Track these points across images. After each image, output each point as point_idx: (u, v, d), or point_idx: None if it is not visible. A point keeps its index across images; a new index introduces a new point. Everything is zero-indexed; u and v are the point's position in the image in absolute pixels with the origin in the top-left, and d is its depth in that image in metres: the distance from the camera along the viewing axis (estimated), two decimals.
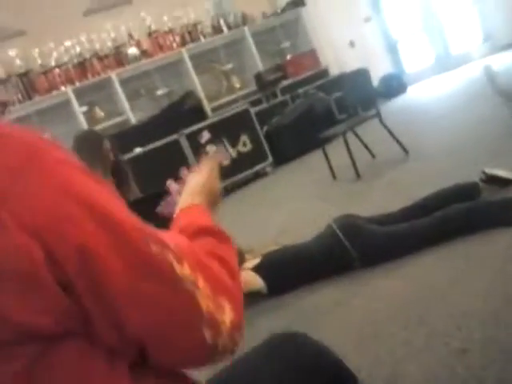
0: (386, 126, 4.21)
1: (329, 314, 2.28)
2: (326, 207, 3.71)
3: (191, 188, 0.96)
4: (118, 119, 6.60)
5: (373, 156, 4.52)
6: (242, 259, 2.92)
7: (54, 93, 6.35)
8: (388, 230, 2.57)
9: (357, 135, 4.47)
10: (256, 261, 2.77)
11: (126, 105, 6.63)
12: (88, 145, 3.16)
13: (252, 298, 2.66)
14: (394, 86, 7.86)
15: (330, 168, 4.46)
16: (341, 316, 2.22)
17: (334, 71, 7.41)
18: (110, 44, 6.81)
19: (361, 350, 1.85)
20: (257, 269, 2.72)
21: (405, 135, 4.33)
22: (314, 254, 2.66)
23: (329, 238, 2.65)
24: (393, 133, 4.21)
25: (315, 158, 5.08)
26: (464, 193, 2.64)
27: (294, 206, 4.18)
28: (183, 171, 1.10)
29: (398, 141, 4.19)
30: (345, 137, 4.14)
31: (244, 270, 2.71)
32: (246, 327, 0.71)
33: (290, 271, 2.69)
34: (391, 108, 6.89)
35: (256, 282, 2.69)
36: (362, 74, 4.91)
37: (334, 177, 4.44)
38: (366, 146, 4.51)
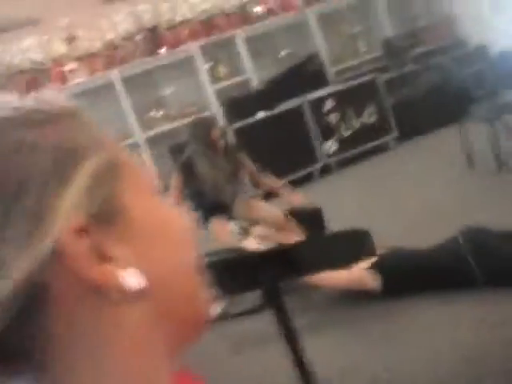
0: None
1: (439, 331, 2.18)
2: (455, 202, 3.42)
3: None
4: (238, 78, 6.55)
5: None
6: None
7: (180, 48, 6.40)
8: None
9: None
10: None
11: (248, 64, 6.55)
12: (199, 131, 3.47)
13: (362, 297, 2.60)
14: None
15: (467, 153, 4.09)
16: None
17: (475, 41, 6.75)
18: (235, 1, 6.69)
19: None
20: (374, 267, 2.59)
21: None
22: (435, 265, 2.51)
23: (452, 252, 2.47)
24: None
25: (447, 137, 4.69)
26: None
27: (417, 193, 3.89)
28: None
29: None
30: (493, 125, 3.75)
31: (359, 268, 2.59)
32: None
33: (409, 278, 2.56)
34: None
35: (371, 280, 2.57)
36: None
37: (470, 164, 4.07)
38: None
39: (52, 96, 0.44)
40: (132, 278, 0.39)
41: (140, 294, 0.39)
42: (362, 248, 2.82)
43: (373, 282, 2.57)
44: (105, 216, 0.39)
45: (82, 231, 0.37)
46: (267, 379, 2.23)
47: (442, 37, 6.73)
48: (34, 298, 0.36)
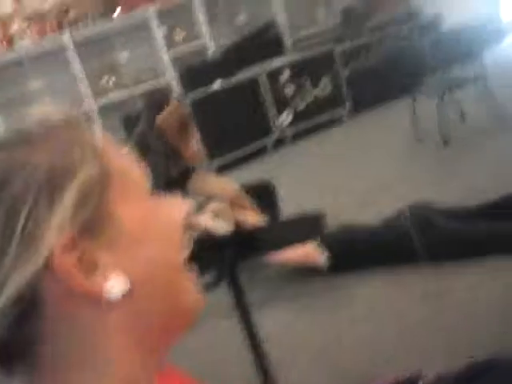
0: (490, 93, 3.84)
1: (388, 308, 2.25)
2: (403, 178, 3.51)
3: None
4: (195, 43, 6.40)
5: (462, 120, 4.16)
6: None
7: (135, 11, 6.18)
8: (464, 230, 2.42)
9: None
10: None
11: (205, 29, 6.40)
12: (154, 103, 3.35)
13: (309, 273, 2.66)
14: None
15: (416, 127, 4.15)
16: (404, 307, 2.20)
17: (430, 13, 6.75)
18: None
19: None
20: (323, 244, 2.65)
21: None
22: (379, 241, 2.59)
23: (396, 229, 2.56)
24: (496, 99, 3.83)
25: (399, 109, 4.73)
26: None
27: (368, 166, 3.96)
28: None
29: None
30: (441, 100, 3.81)
31: (307, 246, 2.64)
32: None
33: (355, 254, 2.63)
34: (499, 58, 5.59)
35: (319, 256, 2.63)
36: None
37: (418, 138, 4.14)
38: (461, 112, 4.14)
39: (46, 110, 0.45)
40: (118, 286, 0.41)
41: (124, 298, 0.42)
42: (315, 230, 2.89)
43: (320, 258, 2.63)
44: (92, 225, 0.41)
45: (70, 244, 0.39)
46: (220, 350, 2.28)
47: (397, 7, 6.69)
48: (29, 307, 0.39)
